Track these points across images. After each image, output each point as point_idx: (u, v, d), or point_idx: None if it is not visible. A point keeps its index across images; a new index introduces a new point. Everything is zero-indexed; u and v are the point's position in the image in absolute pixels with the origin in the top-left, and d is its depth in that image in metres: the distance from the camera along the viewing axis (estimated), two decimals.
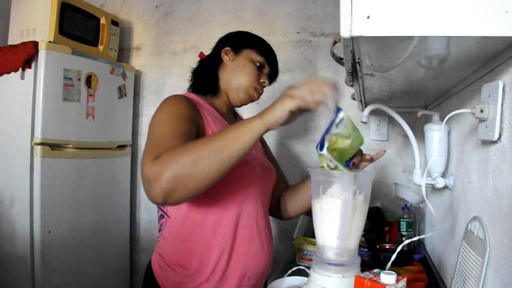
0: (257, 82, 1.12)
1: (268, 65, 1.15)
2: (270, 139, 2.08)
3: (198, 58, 1.20)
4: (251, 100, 1.14)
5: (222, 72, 1.13)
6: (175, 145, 0.83)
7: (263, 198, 1.11)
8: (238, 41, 1.14)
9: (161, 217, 1.06)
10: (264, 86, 1.16)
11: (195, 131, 0.95)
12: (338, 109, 0.80)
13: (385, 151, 1.06)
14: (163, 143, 0.84)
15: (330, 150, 0.81)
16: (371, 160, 1.01)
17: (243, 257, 1.03)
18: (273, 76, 1.18)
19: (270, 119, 0.78)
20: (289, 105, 0.76)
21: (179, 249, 1.02)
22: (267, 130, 0.79)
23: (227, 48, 1.12)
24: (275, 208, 1.25)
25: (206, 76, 1.13)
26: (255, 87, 1.12)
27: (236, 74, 1.11)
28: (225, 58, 1.12)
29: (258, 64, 1.12)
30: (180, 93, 1.10)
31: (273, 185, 1.18)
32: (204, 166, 0.78)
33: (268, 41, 1.17)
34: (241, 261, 1.02)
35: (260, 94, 1.15)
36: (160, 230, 1.07)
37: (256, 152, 1.16)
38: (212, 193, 0.95)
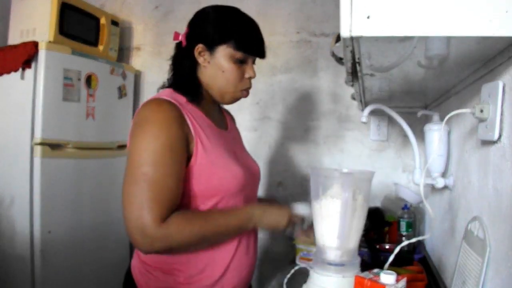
0: (242, 82, 1.01)
1: (252, 53, 1.00)
2: (270, 139, 2.08)
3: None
4: (238, 99, 1.05)
5: (201, 75, 1.01)
6: (176, 199, 0.90)
7: (248, 203, 1.06)
8: (210, 35, 0.98)
9: None
10: (252, 78, 1.03)
11: (185, 163, 0.92)
12: None
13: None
14: (165, 197, 0.87)
15: None
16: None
17: (228, 267, 1.00)
18: (261, 55, 1.02)
19: (260, 226, 1.01)
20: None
21: (161, 257, 0.97)
22: None
23: (200, 46, 0.98)
24: None
25: (185, 81, 1.01)
26: (241, 89, 1.01)
27: (216, 81, 0.99)
28: (200, 59, 0.99)
29: (238, 59, 0.98)
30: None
31: (259, 184, 1.16)
32: (202, 246, 0.96)
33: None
34: (226, 271, 0.99)
35: (249, 88, 1.04)
36: None
37: (241, 153, 1.11)
38: (196, 208, 0.96)
